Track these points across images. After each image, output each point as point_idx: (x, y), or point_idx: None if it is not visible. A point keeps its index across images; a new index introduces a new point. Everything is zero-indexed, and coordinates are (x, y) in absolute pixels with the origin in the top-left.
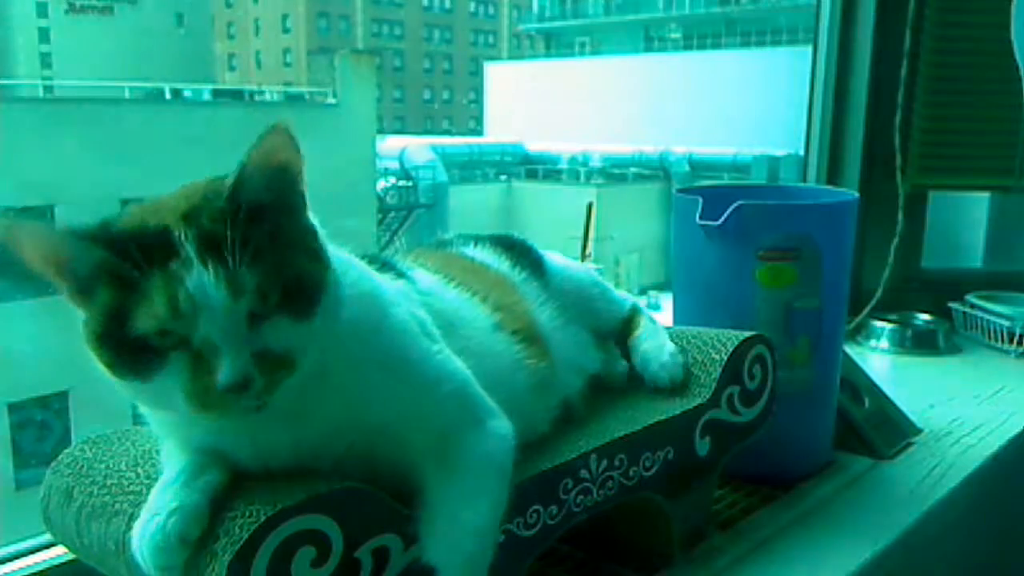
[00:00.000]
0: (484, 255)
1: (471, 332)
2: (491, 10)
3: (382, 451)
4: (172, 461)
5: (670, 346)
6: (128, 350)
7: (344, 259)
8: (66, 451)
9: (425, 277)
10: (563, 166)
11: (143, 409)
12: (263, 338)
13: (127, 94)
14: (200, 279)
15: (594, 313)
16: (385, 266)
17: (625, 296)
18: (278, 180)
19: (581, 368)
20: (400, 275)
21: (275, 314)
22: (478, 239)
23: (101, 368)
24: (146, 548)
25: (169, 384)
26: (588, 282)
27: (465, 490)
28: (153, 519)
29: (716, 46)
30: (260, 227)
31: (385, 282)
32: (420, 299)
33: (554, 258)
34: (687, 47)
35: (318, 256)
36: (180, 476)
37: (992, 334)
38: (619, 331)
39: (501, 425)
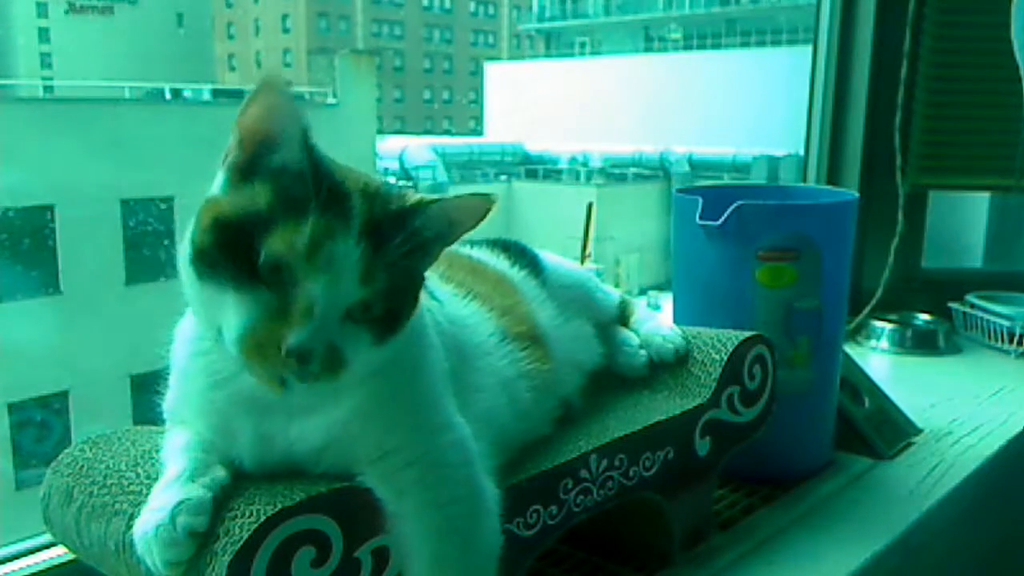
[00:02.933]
0: (482, 255)
1: (482, 361)
2: (491, 10)
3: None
4: (173, 460)
5: (667, 323)
6: (234, 250)
7: None
8: (66, 451)
9: (446, 295)
10: (563, 166)
11: (194, 315)
12: (343, 334)
13: (127, 94)
14: (347, 249)
15: (592, 306)
16: None
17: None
18: (445, 239)
19: (581, 365)
20: (432, 296)
21: (363, 324)
22: (473, 243)
23: (187, 248)
24: (154, 543)
25: (239, 307)
26: (584, 276)
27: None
28: (159, 514)
29: (716, 46)
30: (407, 253)
31: (426, 312)
32: (445, 326)
33: (549, 256)
34: (687, 47)
35: (415, 304)
36: (184, 473)
37: (992, 334)
38: (617, 320)
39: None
